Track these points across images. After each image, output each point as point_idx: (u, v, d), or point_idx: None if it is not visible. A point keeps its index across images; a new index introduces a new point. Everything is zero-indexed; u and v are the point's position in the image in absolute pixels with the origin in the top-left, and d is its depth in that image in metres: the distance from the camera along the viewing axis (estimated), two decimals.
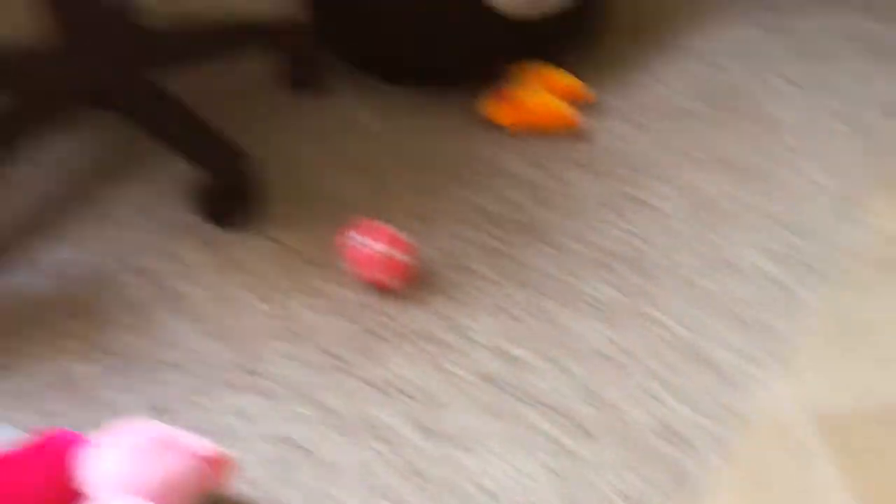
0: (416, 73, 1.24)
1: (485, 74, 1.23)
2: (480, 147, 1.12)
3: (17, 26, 1.38)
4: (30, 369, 0.82)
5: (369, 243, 0.87)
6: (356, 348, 0.84)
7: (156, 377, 0.81)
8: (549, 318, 0.87)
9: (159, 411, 0.77)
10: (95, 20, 1.01)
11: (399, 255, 0.87)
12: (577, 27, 1.25)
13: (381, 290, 0.90)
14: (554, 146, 1.11)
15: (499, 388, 0.81)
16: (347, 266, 0.92)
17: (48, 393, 0.80)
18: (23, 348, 0.84)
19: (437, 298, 0.89)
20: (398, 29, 1.16)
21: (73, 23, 1.00)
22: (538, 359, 0.83)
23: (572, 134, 1.13)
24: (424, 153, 1.11)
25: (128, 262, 0.93)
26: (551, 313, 0.87)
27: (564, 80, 1.17)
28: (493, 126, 1.15)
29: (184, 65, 1.22)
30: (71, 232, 0.98)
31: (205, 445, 0.66)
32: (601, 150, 1.11)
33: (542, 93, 1.13)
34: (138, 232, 0.98)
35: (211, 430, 0.75)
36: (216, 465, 0.66)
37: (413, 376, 0.81)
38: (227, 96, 1.24)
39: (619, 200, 1.02)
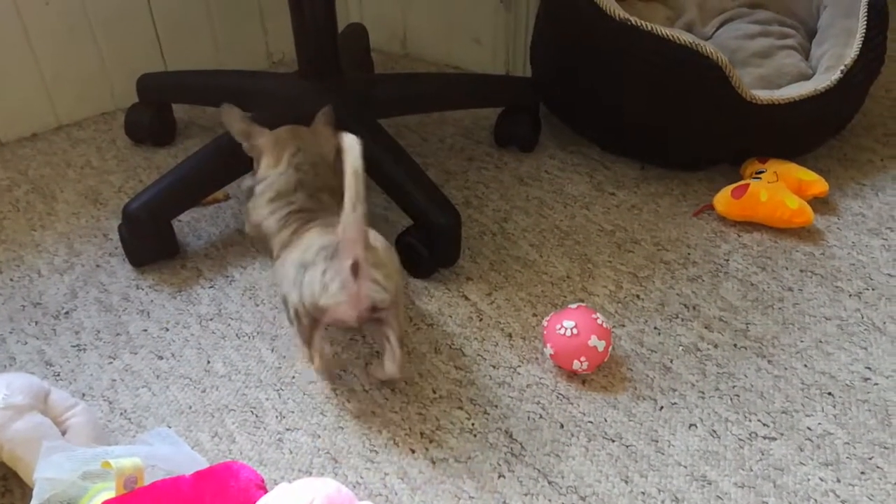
0: (641, 149, 1.17)
1: (718, 161, 1.15)
2: (702, 238, 1.03)
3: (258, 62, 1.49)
4: None
5: (568, 326, 0.81)
6: (538, 437, 0.78)
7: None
8: (757, 446, 0.76)
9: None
10: (331, 58, 1.05)
11: (598, 343, 0.81)
12: (827, 122, 1.14)
13: (571, 374, 0.83)
14: (785, 249, 1.00)
15: None
16: (544, 347, 0.86)
17: None
18: None
19: (633, 398, 0.81)
20: (631, 104, 1.10)
21: (312, 58, 1.05)
22: (738, 491, 0.72)
23: (806, 237, 1.02)
24: (638, 235, 1.04)
25: None
26: (760, 441, 0.76)
27: (805, 176, 1.06)
28: (720, 218, 1.06)
29: (411, 113, 1.25)
30: None
31: None
32: (837, 259, 0.98)
33: (780, 188, 1.03)
34: None
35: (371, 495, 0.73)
36: None
37: (591, 479, 0.73)
38: (439, 146, 1.24)
39: (852, 321, 0.89)
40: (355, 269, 0.70)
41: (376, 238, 0.76)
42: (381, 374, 0.80)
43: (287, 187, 0.86)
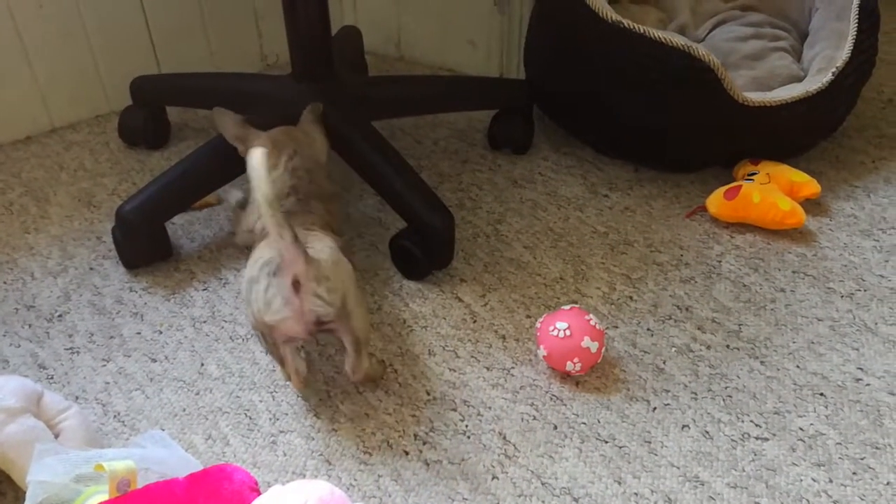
0: (634, 151, 1.18)
1: (710, 163, 1.15)
2: (695, 239, 1.03)
3: (252, 64, 1.49)
4: None
5: (562, 328, 0.81)
6: (532, 439, 0.78)
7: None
8: (750, 447, 0.76)
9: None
10: (325, 61, 1.05)
11: (591, 344, 0.81)
12: (819, 124, 1.14)
13: (565, 375, 0.84)
14: (777, 250, 1.01)
15: None
16: (537, 348, 0.87)
17: None
18: None
19: (626, 399, 0.81)
20: (624, 107, 1.11)
21: (306, 61, 1.05)
22: (730, 491, 0.72)
23: (798, 238, 1.02)
24: (631, 236, 1.04)
25: None
26: (752, 442, 0.77)
27: (797, 178, 1.06)
28: (713, 219, 1.06)
29: (404, 115, 1.25)
30: None
31: None
32: (829, 260, 0.99)
33: (772, 190, 1.03)
34: None
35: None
36: None
37: (585, 480, 0.74)
38: (433, 149, 1.25)
39: (844, 322, 0.90)
40: (296, 285, 0.69)
41: (322, 250, 0.74)
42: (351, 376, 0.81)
43: (280, 192, 0.86)
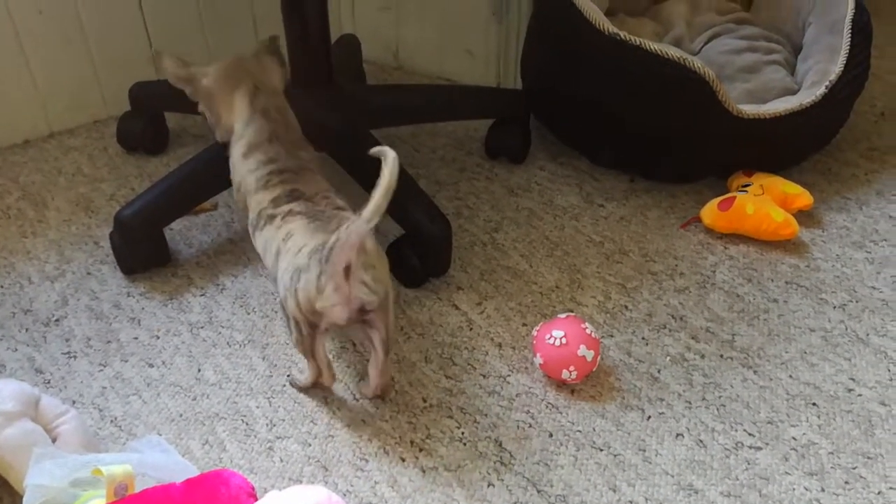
0: (630, 162, 1.19)
1: (705, 174, 1.16)
2: (690, 250, 1.04)
3: None
4: None
5: (558, 336, 0.82)
6: (527, 446, 0.78)
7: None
8: (743, 456, 0.77)
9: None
10: (325, 69, 1.06)
11: (587, 353, 0.82)
12: (813, 136, 1.16)
13: (560, 383, 0.84)
14: (770, 261, 1.02)
15: None
16: (533, 356, 0.87)
17: None
18: None
19: (621, 408, 0.82)
20: (620, 118, 1.12)
21: (306, 68, 1.05)
22: (724, 500, 0.73)
23: (791, 249, 1.03)
24: (626, 246, 1.05)
25: None
26: (746, 451, 0.77)
27: (791, 189, 1.07)
28: (707, 230, 1.07)
29: (403, 123, 1.25)
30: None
31: None
32: (822, 272, 1.00)
33: (766, 201, 1.04)
34: None
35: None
36: None
37: (580, 487, 0.74)
38: (431, 157, 1.25)
39: (836, 332, 0.91)
40: (347, 271, 0.70)
41: (368, 240, 0.76)
42: (367, 391, 0.82)
43: (259, 138, 0.83)
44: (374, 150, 0.70)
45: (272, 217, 0.79)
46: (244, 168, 0.84)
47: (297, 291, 0.73)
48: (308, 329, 0.75)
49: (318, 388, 0.83)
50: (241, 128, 0.85)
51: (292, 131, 0.86)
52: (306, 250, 0.73)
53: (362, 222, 0.68)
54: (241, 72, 0.86)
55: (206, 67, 0.87)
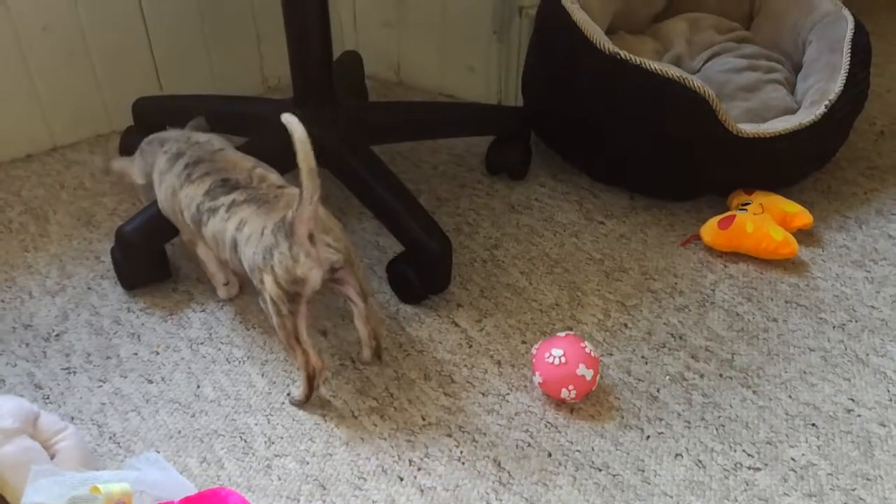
0: (630, 179, 1.19)
1: (705, 193, 1.17)
2: (689, 268, 1.04)
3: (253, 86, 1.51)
4: None
5: (557, 354, 0.82)
6: (526, 466, 0.78)
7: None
8: (742, 477, 0.77)
9: None
10: (327, 85, 1.06)
11: (586, 372, 0.82)
12: (812, 155, 1.16)
13: (559, 402, 0.84)
14: (770, 280, 1.02)
15: None
16: (533, 375, 0.87)
17: None
18: None
19: (620, 427, 0.82)
20: (619, 136, 1.12)
21: (308, 85, 1.06)
22: None
23: (791, 268, 1.04)
24: (626, 264, 1.05)
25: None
26: (745, 472, 0.77)
27: (790, 208, 1.07)
28: (707, 248, 1.07)
29: (404, 140, 1.26)
30: None
31: None
32: (821, 291, 1.00)
33: (766, 220, 1.04)
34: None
35: None
36: None
37: None
38: (432, 173, 1.26)
39: (836, 352, 0.91)
40: (311, 238, 0.76)
41: (319, 209, 0.81)
42: (364, 354, 0.88)
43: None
44: (284, 118, 0.73)
45: (214, 210, 0.84)
46: (164, 183, 0.92)
47: (275, 267, 0.77)
48: (288, 307, 0.78)
49: (315, 389, 0.83)
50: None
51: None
52: (268, 231, 0.78)
53: (306, 204, 0.73)
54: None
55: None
